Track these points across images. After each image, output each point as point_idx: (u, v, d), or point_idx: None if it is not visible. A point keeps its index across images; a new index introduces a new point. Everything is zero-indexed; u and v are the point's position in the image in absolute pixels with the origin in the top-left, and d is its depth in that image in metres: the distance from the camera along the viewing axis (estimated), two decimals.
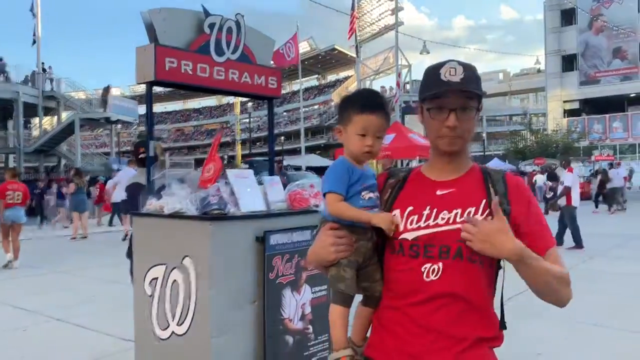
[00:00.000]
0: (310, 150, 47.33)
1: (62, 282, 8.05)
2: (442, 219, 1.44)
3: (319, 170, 19.80)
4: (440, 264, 1.42)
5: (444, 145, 1.48)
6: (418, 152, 16.92)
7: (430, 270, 1.43)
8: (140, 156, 3.67)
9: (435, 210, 1.46)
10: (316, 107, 65.00)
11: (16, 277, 8.54)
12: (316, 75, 69.55)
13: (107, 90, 33.45)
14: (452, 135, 1.45)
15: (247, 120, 56.75)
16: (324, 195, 1.57)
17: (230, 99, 72.00)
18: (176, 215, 2.85)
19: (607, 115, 40.95)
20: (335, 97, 63.69)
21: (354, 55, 40.51)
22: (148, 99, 3.18)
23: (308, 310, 3.15)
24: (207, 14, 3.34)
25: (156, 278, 3.00)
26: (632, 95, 40.06)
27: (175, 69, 3.18)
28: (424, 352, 1.42)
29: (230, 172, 3.04)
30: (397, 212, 1.51)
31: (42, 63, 31.54)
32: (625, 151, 42.95)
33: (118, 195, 14.69)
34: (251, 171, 3.23)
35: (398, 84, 32.91)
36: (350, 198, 1.54)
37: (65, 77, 32.37)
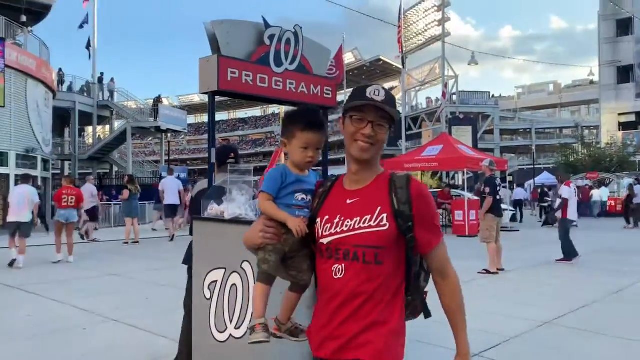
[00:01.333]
0: None
1: (116, 284, 8.33)
2: (346, 226, 1.69)
3: None
4: (344, 265, 1.69)
5: (356, 151, 1.71)
6: (466, 164, 16.67)
7: (337, 270, 1.70)
8: (229, 161, 3.76)
9: (342, 218, 1.71)
10: None
11: (73, 278, 8.89)
12: None
13: (158, 100, 34.54)
14: (365, 141, 1.69)
15: None
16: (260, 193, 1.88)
17: (275, 109, 72.93)
18: (236, 221, 2.91)
19: None
20: None
21: (400, 66, 40.38)
22: (211, 108, 3.28)
23: None
24: (267, 25, 3.43)
25: (215, 281, 3.07)
26: None
27: (236, 79, 3.27)
28: (327, 338, 1.72)
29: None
30: (318, 220, 1.77)
31: (102, 73, 32.95)
32: None
33: (165, 200, 15.29)
34: None
35: (444, 95, 32.57)
36: (284, 197, 1.83)
37: (118, 87, 33.54)
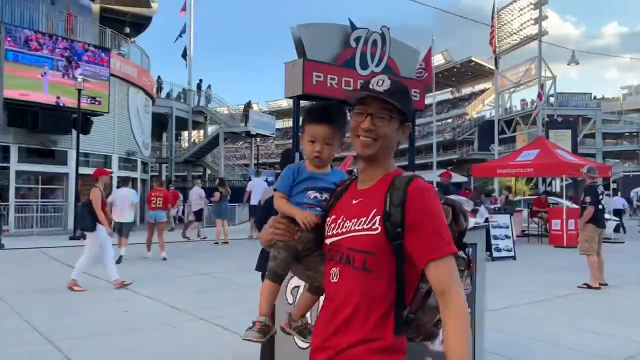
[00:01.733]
0: (442, 165, 46.13)
1: (205, 283, 8.60)
2: (345, 227, 1.58)
3: (454, 187, 19.16)
4: (339, 269, 1.58)
5: (358, 147, 1.60)
6: (565, 170, 15.66)
7: (334, 274, 1.60)
8: None
9: (344, 219, 1.60)
10: (449, 120, 63.40)
11: (166, 276, 9.30)
12: (450, 89, 67.91)
13: (248, 105, 35.70)
14: (365, 135, 1.56)
15: None
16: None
17: None
18: None
19: None
20: (470, 110, 61.70)
21: (492, 67, 38.91)
22: (295, 112, 3.25)
23: None
24: (353, 27, 3.34)
25: (298, 286, 3.03)
26: None
27: (321, 83, 3.22)
28: (317, 349, 1.60)
29: None
30: (328, 220, 1.67)
31: (200, 80, 34.70)
32: None
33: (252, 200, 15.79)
34: None
35: (540, 96, 30.93)
36: (296, 194, 1.79)
37: (212, 93, 35.03)
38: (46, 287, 8.17)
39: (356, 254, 1.53)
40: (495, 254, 11.85)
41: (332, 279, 1.60)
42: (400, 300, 1.52)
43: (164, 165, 35.88)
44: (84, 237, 8.44)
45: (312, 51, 3.17)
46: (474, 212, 3.19)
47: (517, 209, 18.13)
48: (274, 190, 1.85)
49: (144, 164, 25.49)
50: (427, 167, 41.55)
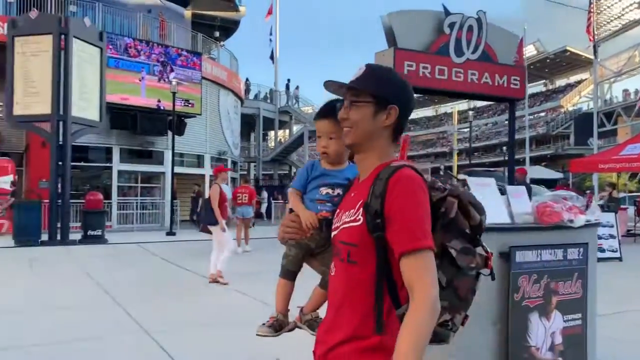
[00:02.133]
0: (534, 161, 43.87)
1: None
2: (341, 220, 1.55)
3: (547, 184, 18.15)
4: (334, 262, 1.57)
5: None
6: None
7: (332, 267, 1.58)
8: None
9: (342, 212, 1.57)
10: (542, 114, 60.21)
11: (256, 271, 9.49)
12: (543, 81, 64.48)
13: None
14: (344, 126, 1.55)
15: (464, 130, 55.12)
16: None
17: (448, 109, 71.08)
18: None
19: None
20: (565, 103, 58.26)
21: (590, 56, 36.45)
22: None
23: (558, 340, 2.75)
24: (447, 12, 3.17)
25: None
26: None
27: (413, 72, 3.07)
28: (318, 340, 1.58)
29: (470, 180, 2.82)
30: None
31: (288, 80, 35.51)
32: None
33: None
34: (492, 179, 2.96)
35: None
36: (310, 191, 1.85)
37: (299, 94, 35.61)
38: (145, 280, 8.60)
39: (342, 246, 1.52)
40: (599, 254, 11.02)
41: (331, 272, 1.60)
42: (394, 298, 1.41)
43: (252, 164, 36.96)
44: (206, 231, 8.89)
45: (403, 39, 3.03)
46: (586, 208, 2.91)
47: (622, 206, 16.84)
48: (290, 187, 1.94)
49: (234, 163, 26.36)
50: (518, 163, 39.71)
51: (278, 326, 1.95)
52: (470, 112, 37.68)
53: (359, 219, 1.45)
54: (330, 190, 1.83)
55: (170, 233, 17.08)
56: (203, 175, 23.12)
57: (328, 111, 1.83)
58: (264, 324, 1.96)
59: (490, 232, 2.68)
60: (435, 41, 3.08)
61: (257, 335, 1.95)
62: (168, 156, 19.65)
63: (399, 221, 1.38)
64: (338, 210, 1.62)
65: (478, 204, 1.52)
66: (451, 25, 3.09)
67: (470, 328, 2.62)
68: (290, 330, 2.02)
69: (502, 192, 2.88)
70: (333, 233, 1.59)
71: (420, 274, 1.33)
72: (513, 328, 2.61)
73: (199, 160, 23.11)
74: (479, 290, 2.66)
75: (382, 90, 1.53)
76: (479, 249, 1.49)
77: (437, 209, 1.46)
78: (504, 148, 50.37)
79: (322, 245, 1.83)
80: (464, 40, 3.12)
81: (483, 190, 2.78)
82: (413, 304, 1.32)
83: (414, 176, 1.43)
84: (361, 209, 1.45)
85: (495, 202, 2.81)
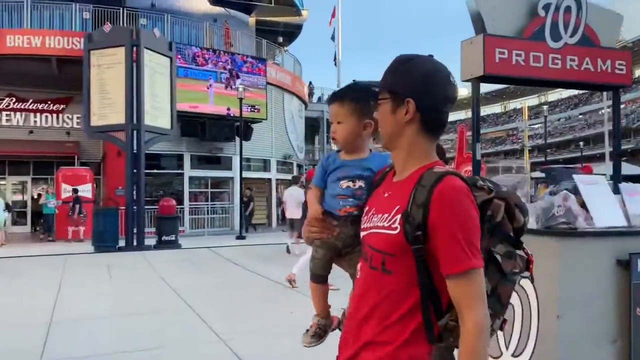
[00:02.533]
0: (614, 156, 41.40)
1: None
2: (372, 222, 1.46)
3: (632, 180, 16.91)
4: (361, 265, 1.50)
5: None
6: None
7: (359, 269, 1.51)
8: None
9: (374, 213, 1.47)
10: (622, 106, 56.85)
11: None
12: None
13: None
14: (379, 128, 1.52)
15: (534, 126, 52.91)
16: None
17: (517, 105, 68.55)
18: None
19: None
20: None
21: None
22: (475, 97, 2.86)
23: None
24: None
25: None
26: None
27: (505, 61, 2.77)
28: (342, 344, 1.51)
29: (577, 178, 2.51)
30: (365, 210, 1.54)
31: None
32: None
33: None
34: (602, 177, 2.62)
35: None
36: (329, 186, 1.70)
37: None
38: (217, 284, 8.65)
39: (375, 253, 1.42)
40: None
41: (357, 274, 1.53)
42: (437, 308, 1.34)
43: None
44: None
45: (493, 25, 2.77)
46: None
47: None
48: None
49: (299, 166, 26.48)
50: (596, 158, 37.63)
51: (322, 332, 1.85)
52: (545, 107, 36.02)
53: (396, 227, 1.36)
54: (351, 184, 1.67)
55: (240, 237, 17.31)
56: (270, 179, 23.38)
57: (335, 94, 1.74)
58: (307, 330, 1.85)
59: (605, 237, 2.37)
60: (528, 25, 2.79)
61: (304, 346, 1.84)
62: (236, 161, 19.96)
63: (445, 238, 1.29)
64: (367, 208, 1.52)
65: (523, 205, 1.45)
66: (546, 7, 2.79)
67: (582, 346, 2.32)
68: (334, 330, 1.88)
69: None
70: (363, 233, 1.50)
71: (468, 296, 1.29)
72: (636, 345, 2.29)
73: (265, 165, 23.38)
74: (596, 303, 2.35)
75: (395, 84, 1.44)
76: (519, 252, 1.43)
77: (483, 211, 1.37)
78: (581, 143, 47.91)
79: (349, 245, 1.68)
80: (561, 22, 2.80)
81: (594, 190, 2.46)
82: (464, 329, 1.28)
83: (461, 186, 1.33)
84: (398, 216, 1.36)
85: (608, 202, 2.48)
